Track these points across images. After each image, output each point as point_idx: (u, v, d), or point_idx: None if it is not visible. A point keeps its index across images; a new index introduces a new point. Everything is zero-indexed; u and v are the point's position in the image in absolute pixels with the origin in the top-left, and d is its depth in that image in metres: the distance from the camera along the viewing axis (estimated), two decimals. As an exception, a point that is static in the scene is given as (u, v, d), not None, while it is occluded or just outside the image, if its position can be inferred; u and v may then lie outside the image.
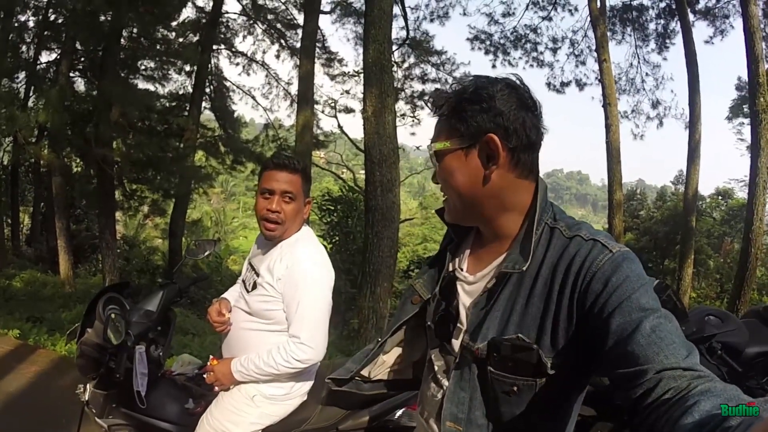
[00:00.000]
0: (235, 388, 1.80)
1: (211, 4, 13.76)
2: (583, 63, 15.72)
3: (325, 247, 11.36)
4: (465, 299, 1.05)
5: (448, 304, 1.08)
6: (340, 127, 16.32)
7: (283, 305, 1.74)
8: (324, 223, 12.78)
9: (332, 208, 12.68)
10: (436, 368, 1.10)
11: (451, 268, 1.11)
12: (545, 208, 0.98)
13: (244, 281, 1.93)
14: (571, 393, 0.97)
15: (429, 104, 1.03)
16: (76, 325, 2.12)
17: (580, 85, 15.75)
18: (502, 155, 0.92)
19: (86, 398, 2.01)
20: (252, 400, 1.75)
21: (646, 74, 15.32)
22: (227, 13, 15.12)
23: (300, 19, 13.69)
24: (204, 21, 13.79)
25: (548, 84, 16.09)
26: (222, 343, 1.95)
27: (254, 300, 1.78)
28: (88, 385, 2.02)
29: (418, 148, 14.96)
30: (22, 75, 12.01)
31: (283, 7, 15.24)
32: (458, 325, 1.04)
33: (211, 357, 1.88)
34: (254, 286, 1.80)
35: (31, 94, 12.52)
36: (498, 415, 0.97)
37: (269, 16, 15.34)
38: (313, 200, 1.97)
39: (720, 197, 21.47)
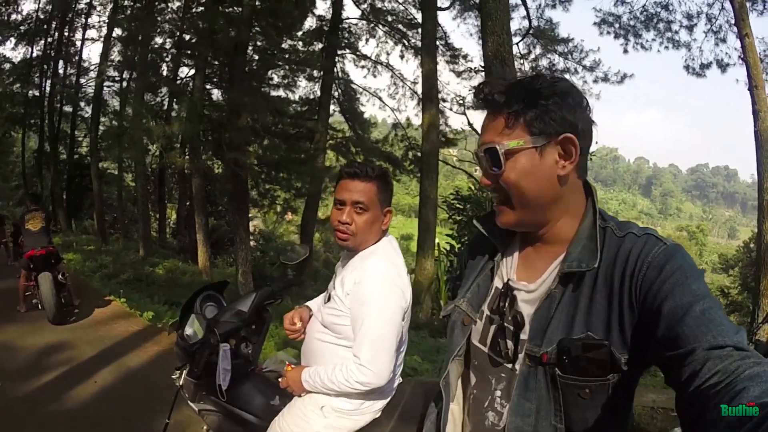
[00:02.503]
0: (307, 395, 1.78)
1: (330, 12, 14.43)
2: (723, 40, 13.24)
3: (453, 246, 11.45)
4: (526, 309, 0.98)
5: (502, 319, 1.01)
6: (470, 124, 15.80)
7: (351, 321, 1.68)
8: (453, 222, 12.61)
9: (461, 207, 12.48)
10: (499, 393, 1.02)
11: (499, 282, 1.05)
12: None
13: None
14: (634, 387, 0.94)
15: (489, 96, 0.94)
16: (175, 320, 2.31)
17: (722, 66, 13.36)
18: (575, 156, 0.90)
19: (180, 383, 2.17)
20: (321, 410, 1.73)
21: (797, 51, 12.70)
22: (347, 18, 15.70)
23: (420, 18, 13.75)
24: (326, 28, 14.46)
25: (686, 67, 13.92)
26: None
27: (327, 312, 1.75)
28: (183, 372, 2.17)
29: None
30: (165, 90, 13.73)
31: (402, 7, 15.45)
32: (521, 337, 0.97)
33: (287, 363, 1.91)
34: (329, 298, 1.78)
35: (174, 105, 14.32)
36: (568, 422, 0.92)
37: (389, 18, 15.62)
38: (393, 210, 1.82)
39: None
